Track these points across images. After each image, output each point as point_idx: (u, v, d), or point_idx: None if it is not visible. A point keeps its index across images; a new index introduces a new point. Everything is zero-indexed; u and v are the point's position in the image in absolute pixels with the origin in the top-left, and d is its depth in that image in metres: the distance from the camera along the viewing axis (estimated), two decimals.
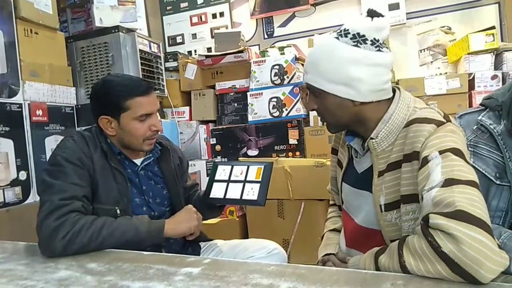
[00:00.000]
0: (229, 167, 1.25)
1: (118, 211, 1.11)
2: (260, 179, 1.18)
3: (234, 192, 1.20)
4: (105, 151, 1.16)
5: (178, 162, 1.37)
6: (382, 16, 0.92)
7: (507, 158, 0.92)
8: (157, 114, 1.22)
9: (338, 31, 0.93)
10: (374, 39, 0.90)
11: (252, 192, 1.17)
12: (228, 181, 1.23)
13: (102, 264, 0.88)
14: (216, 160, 2.54)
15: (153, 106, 1.19)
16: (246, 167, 1.22)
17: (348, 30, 0.91)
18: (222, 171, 1.26)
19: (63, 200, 1.00)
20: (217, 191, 1.23)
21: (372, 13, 0.92)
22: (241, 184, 1.20)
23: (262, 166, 1.20)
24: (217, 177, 1.26)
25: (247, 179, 1.20)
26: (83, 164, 1.09)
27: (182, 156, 1.42)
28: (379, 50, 0.90)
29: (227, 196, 1.21)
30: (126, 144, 1.19)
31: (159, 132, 1.23)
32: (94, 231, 0.99)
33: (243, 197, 1.18)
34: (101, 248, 0.99)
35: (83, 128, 1.26)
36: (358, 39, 0.89)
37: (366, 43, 0.89)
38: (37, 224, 0.99)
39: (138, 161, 1.25)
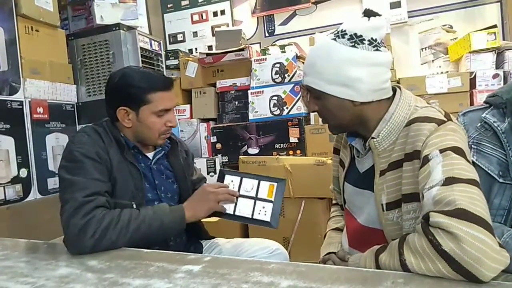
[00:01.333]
0: (238, 178, 1.16)
1: (135, 206, 1.11)
2: (272, 199, 1.11)
3: (244, 208, 1.12)
4: (121, 145, 1.15)
5: (184, 156, 1.37)
6: (379, 15, 0.92)
7: (511, 156, 0.92)
8: (173, 109, 1.22)
9: (336, 32, 0.93)
10: (372, 38, 0.90)
11: (264, 212, 1.10)
12: (238, 195, 1.14)
13: (103, 262, 0.88)
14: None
15: (172, 102, 1.19)
16: (257, 181, 1.14)
17: (345, 31, 0.91)
18: (231, 182, 1.17)
19: (87, 197, 0.99)
20: (226, 204, 1.13)
21: (368, 13, 0.92)
22: (252, 201, 1.12)
23: (275, 184, 1.13)
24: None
25: (258, 196, 1.12)
26: (101, 159, 1.08)
27: (187, 149, 1.43)
28: (377, 50, 0.90)
29: (237, 213, 1.13)
30: (140, 137, 1.19)
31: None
32: (122, 227, 0.99)
33: (254, 216, 1.11)
34: (130, 243, 0.99)
35: (84, 125, 1.26)
36: (356, 40, 0.89)
37: (363, 43, 0.89)
38: (63, 223, 0.98)
39: (150, 155, 1.25)
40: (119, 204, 1.07)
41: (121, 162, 1.13)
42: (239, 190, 1.16)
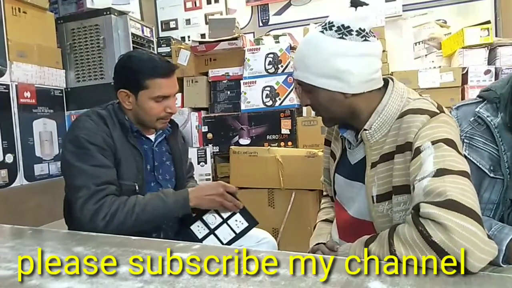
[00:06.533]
0: (200, 221, 1.24)
1: (137, 187, 1.15)
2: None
3: (226, 235, 1.21)
4: (125, 128, 1.18)
5: (182, 141, 1.40)
6: (366, 4, 0.91)
7: (502, 151, 0.92)
8: (175, 96, 1.23)
9: (323, 24, 0.92)
10: (360, 29, 0.89)
11: (240, 222, 1.20)
12: (212, 231, 1.22)
13: (89, 248, 0.86)
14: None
15: (172, 89, 1.20)
16: (213, 211, 1.21)
17: (332, 22, 0.90)
18: (197, 228, 1.25)
19: (99, 186, 1.07)
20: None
21: (355, 3, 0.91)
22: (225, 225, 1.21)
23: None
24: (200, 237, 1.23)
25: (224, 217, 1.21)
26: (107, 145, 1.12)
27: (184, 136, 1.47)
28: (365, 40, 0.89)
29: (224, 242, 1.22)
30: (140, 120, 1.22)
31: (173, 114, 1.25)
32: (128, 209, 1.07)
33: (237, 231, 1.21)
34: (137, 225, 1.08)
35: (72, 111, 1.24)
36: (343, 31, 0.88)
37: (351, 34, 0.88)
38: (77, 207, 1.07)
39: (152, 137, 1.28)
40: (122, 185, 1.13)
41: (124, 144, 1.16)
42: (209, 228, 1.23)
